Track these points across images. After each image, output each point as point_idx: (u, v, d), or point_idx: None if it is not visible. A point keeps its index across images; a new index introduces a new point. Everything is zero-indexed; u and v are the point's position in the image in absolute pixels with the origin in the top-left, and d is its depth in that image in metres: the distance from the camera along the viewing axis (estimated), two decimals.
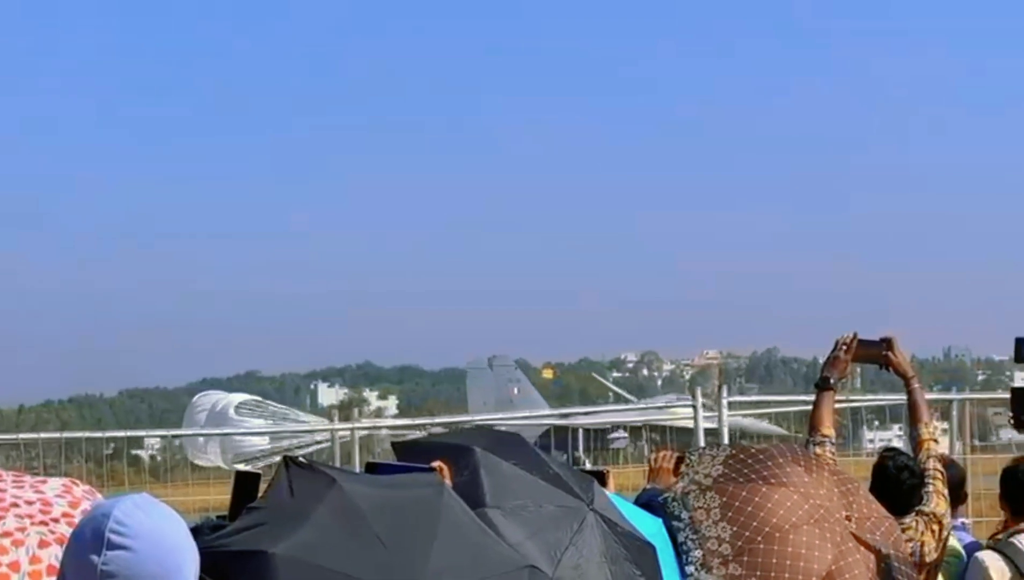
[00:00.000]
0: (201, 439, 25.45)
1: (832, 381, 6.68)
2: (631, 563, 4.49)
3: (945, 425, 13.96)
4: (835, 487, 5.19)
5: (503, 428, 12.52)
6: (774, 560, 4.89)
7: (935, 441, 6.51)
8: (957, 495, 7.86)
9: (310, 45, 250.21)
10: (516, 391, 62.51)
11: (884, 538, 5.15)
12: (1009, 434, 22.70)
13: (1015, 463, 7.21)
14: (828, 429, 6.50)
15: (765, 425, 28.03)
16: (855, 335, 6.74)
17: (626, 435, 35.71)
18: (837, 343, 6.75)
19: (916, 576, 5.28)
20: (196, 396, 44.99)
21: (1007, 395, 8.01)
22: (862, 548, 5.01)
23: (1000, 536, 7.06)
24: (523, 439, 4.95)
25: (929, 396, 11.85)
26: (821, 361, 6.90)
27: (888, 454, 6.88)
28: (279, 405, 48.06)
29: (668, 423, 22.35)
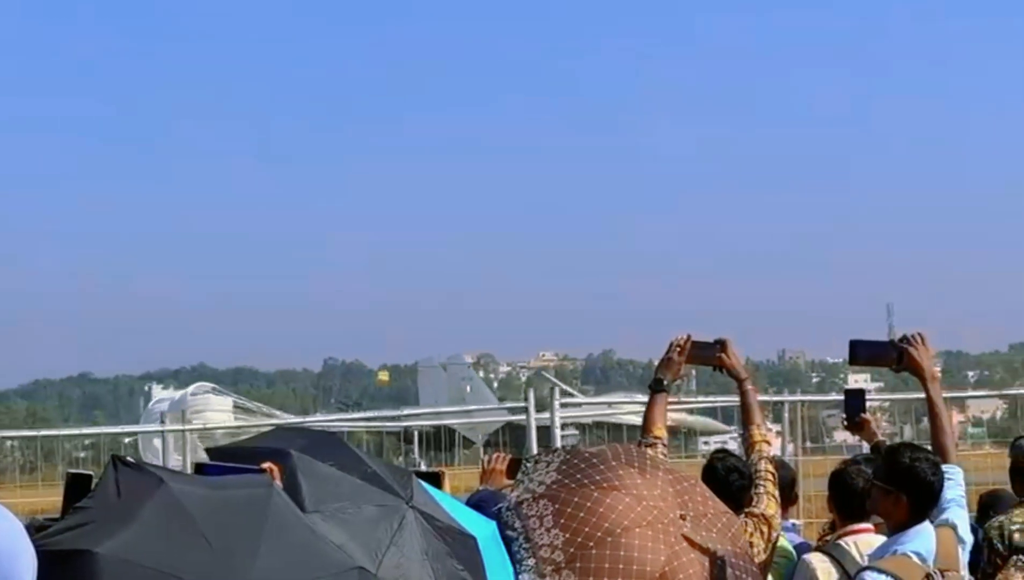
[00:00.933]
0: (157, 441, 25.37)
1: (665, 383, 6.69)
2: (453, 558, 4.47)
3: (778, 427, 14.13)
4: (670, 487, 5.19)
5: (456, 425, 12.58)
6: (606, 564, 4.88)
7: (767, 443, 6.55)
8: (787, 496, 7.94)
9: None
10: (469, 389, 63.40)
11: (721, 534, 5.16)
12: (842, 436, 23.04)
13: (843, 466, 7.30)
14: (660, 430, 6.52)
15: (711, 422, 28.24)
16: (689, 337, 6.76)
17: (577, 433, 36.10)
18: (671, 345, 6.77)
19: (755, 569, 5.30)
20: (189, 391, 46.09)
21: (840, 397, 8.10)
22: (697, 546, 5.02)
23: (828, 538, 7.14)
24: (339, 439, 4.91)
25: (762, 398, 12.03)
26: (656, 363, 6.93)
27: (718, 456, 6.92)
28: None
29: (615, 421, 22.47)
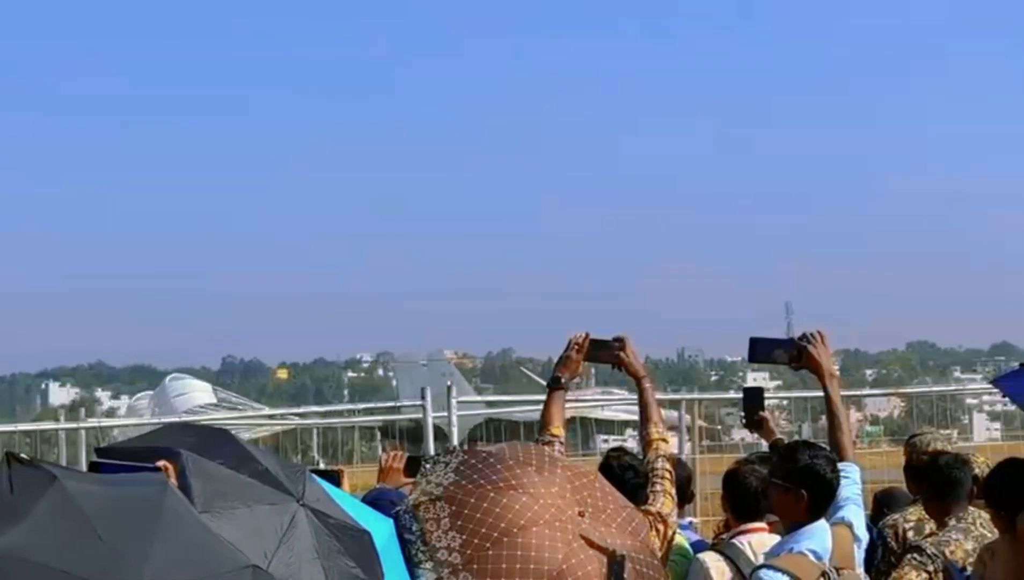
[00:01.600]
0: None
1: (563, 381, 6.68)
2: (345, 555, 4.44)
3: (682, 423, 14.20)
4: (568, 483, 5.16)
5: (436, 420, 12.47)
6: (503, 565, 4.86)
7: (664, 441, 6.55)
8: (684, 494, 7.97)
9: None
10: (450, 384, 63.39)
11: (621, 529, 5.14)
12: (741, 434, 23.22)
13: (737, 466, 7.34)
14: (557, 428, 6.51)
15: (674, 414, 28.42)
16: (587, 335, 6.76)
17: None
18: (570, 343, 6.77)
19: (657, 563, 5.28)
20: (168, 378, 46.10)
21: (739, 395, 8.13)
22: (595, 543, 5.00)
23: (723, 537, 7.18)
24: (231, 435, 4.86)
25: (661, 396, 12.04)
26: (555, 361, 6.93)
27: (614, 454, 6.93)
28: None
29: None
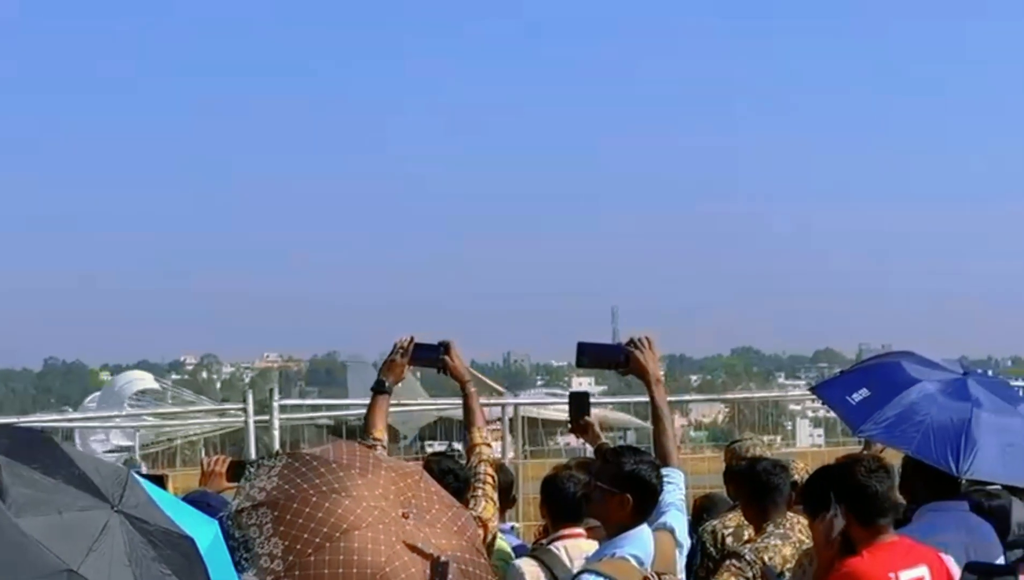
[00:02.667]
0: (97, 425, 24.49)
1: (387, 385, 6.68)
2: (160, 562, 4.36)
3: (506, 427, 14.22)
4: (392, 485, 5.13)
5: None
6: (325, 571, 4.81)
7: (487, 445, 6.57)
8: (506, 499, 7.99)
9: None
10: (400, 386, 63.18)
11: (446, 528, 5.12)
12: (566, 439, 23.36)
13: (555, 471, 7.36)
14: (380, 432, 6.50)
15: (625, 416, 28.36)
16: (412, 339, 6.75)
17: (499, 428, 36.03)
18: (395, 347, 6.76)
19: (484, 561, 5.28)
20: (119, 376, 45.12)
21: (565, 400, 8.16)
22: (419, 544, 4.98)
23: (543, 542, 7.20)
24: (48, 437, 4.76)
25: (486, 401, 12.04)
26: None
27: (435, 458, 6.92)
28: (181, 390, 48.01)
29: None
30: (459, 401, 6.89)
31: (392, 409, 11.91)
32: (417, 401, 20.16)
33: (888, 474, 6.20)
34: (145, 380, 47.50)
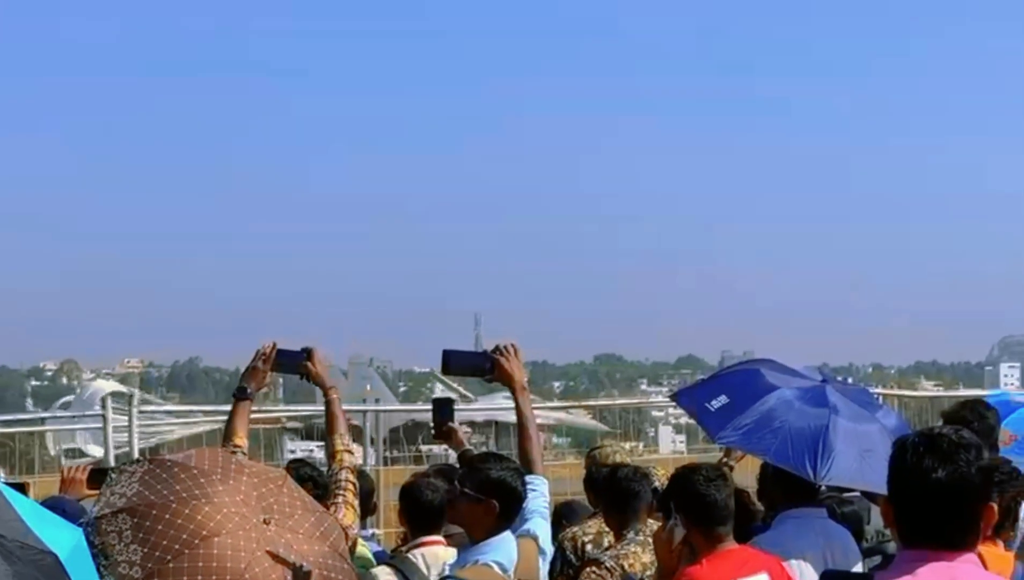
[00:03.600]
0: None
1: (249, 391, 6.63)
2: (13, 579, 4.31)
3: (367, 434, 14.19)
4: (253, 490, 5.09)
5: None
6: (184, 578, 4.78)
7: (349, 452, 6.54)
8: (367, 506, 7.97)
9: None
10: (369, 388, 63.37)
11: (308, 535, 5.10)
12: (428, 446, 23.37)
13: (413, 478, 7.36)
14: (241, 439, 6.45)
15: (590, 421, 28.29)
16: (274, 345, 6.72)
17: (469, 430, 35.93)
18: (257, 353, 6.72)
19: (347, 567, 5.26)
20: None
21: (427, 407, 8.15)
22: (280, 550, 4.96)
23: (401, 549, 7.19)
24: None
25: (348, 407, 11.95)
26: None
27: (294, 465, 6.89)
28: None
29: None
30: (425, 406, 6.85)
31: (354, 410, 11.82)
32: (384, 406, 20.04)
33: (726, 482, 6.26)
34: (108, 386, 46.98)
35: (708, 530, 6.16)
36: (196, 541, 4.82)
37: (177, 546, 4.79)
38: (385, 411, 16.00)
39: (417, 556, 6.84)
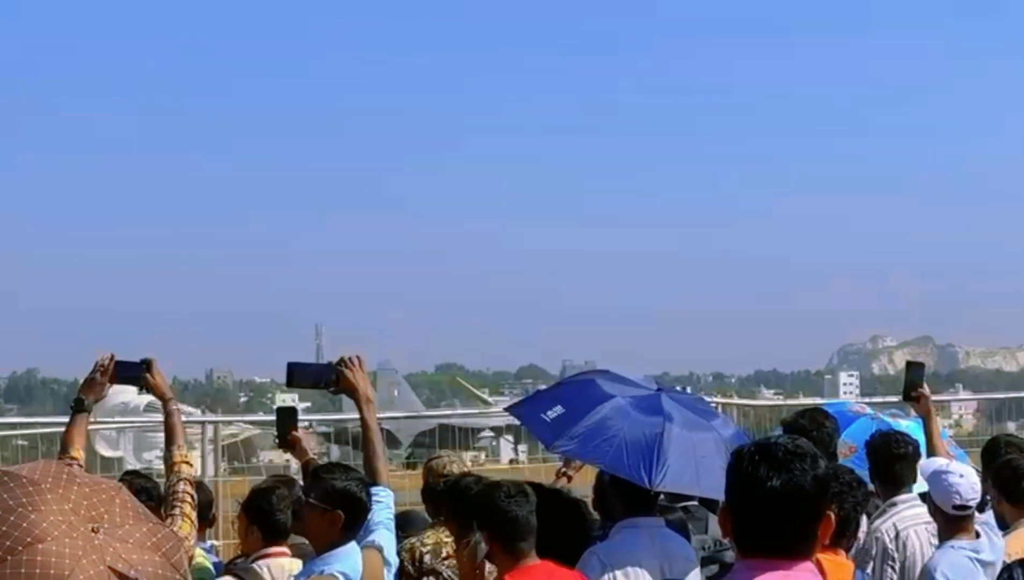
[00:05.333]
0: (115, 432, 23.17)
1: (86, 403, 6.55)
2: None
3: (208, 447, 14.05)
4: (84, 499, 5.00)
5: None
6: None
7: (188, 463, 6.47)
8: (205, 518, 7.89)
9: None
10: (396, 394, 63.42)
11: (139, 544, 5.03)
12: (268, 456, 23.21)
13: (259, 489, 7.31)
14: (77, 451, 6.36)
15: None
16: (112, 357, 6.64)
17: (493, 434, 36.71)
18: (96, 365, 6.64)
19: (180, 578, 5.20)
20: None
21: (268, 417, 8.10)
22: (107, 558, 4.90)
23: (242, 560, 7.13)
24: None
25: (188, 418, 11.82)
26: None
27: (128, 476, 6.81)
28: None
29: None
30: (456, 411, 6.78)
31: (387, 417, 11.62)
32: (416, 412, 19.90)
33: (528, 498, 6.32)
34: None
35: (510, 546, 6.21)
36: (20, 548, 4.74)
37: (0, 552, 4.72)
38: (225, 421, 15.78)
39: (262, 567, 6.79)
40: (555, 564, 6.32)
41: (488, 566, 6.56)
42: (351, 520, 6.14)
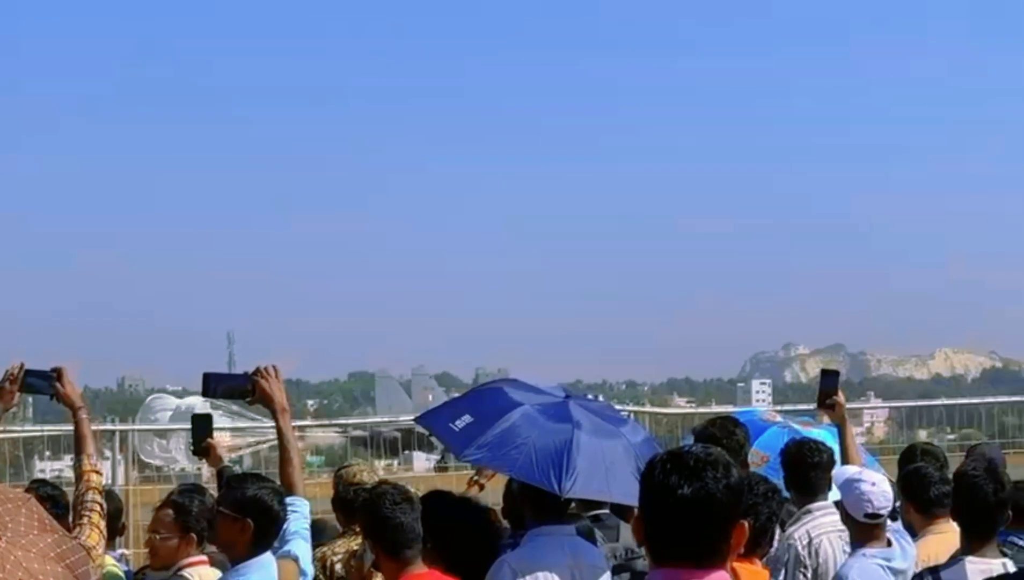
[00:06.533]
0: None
1: None
2: None
3: (119, 456, 13.96)
4: None
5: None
6: None
7: (97, 473, 6.43)
8: (115, 527, 7.83)
9: None
10: (431, 398, 65.18)
11: (42, 554, 4.99)
12: (179, 465, 23.06)
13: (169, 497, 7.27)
14: None
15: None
16: (22, 365, 6.59)
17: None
18: (5, 374, 6.58)
19: None
20: (151, 398, 41.88)
21: (183, 425, 8.06)
22: (7, 566, 4.87)
23: (147, 568, 7.09)
24: None
25: (99, 427, 11.74)
26: None
27: (34, 485, 6.75)
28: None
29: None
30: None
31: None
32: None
33: (413, 505, 6.33)
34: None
35: (394, 553, 6.22)
36: None
37: None
38: (135, 430, 15.67)
39: (192, 575, 6.77)
40: (442, 573, 6.33)
41: (377, 575, 6.56)
42: (261, 529, 6.11)
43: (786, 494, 7.70)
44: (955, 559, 6.78)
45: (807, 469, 7.90)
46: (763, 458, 9.53)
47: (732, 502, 3.78)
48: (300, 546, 6.36)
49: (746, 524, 3.86)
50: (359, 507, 6.47)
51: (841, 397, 8.48)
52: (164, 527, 6.99)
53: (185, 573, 6.81)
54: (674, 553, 3.79)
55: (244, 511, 6.09)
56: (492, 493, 8.60)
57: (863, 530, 6.99)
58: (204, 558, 6.87)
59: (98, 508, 6.26)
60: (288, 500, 6.28)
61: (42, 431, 16.30)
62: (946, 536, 7.50)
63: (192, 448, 7.61)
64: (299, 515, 6.39)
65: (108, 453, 13.38)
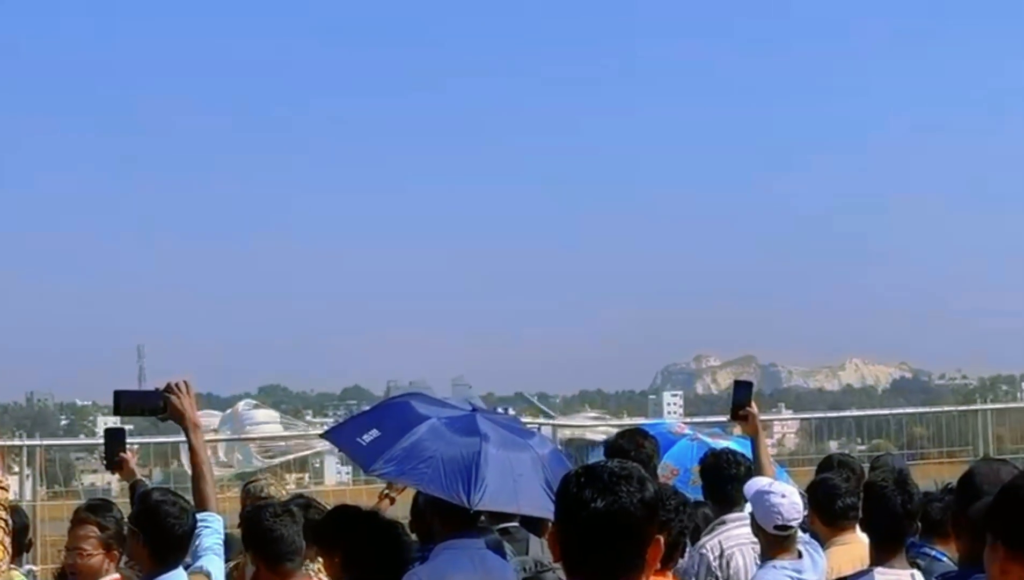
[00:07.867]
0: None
1: None
2: None
3: (27, 471, 13.84)
4: None
5: None
6: None
7: (4, 488, 6.37)
8: (21, 543, 7.75)
9: None
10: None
11: None
12: (90, 480, 22.91)
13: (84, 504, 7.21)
14: None
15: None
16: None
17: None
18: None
19: None
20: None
21: (92, 440, 8.00)
22: None
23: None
24: None
25: (7, 442, 11.63)
26: None
27: None
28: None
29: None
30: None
31: None
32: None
33: (294, 519, 6.32)
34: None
35: (274, 566, 6.22)
36: None
37: None
38: (45, 445, 15.53)
39: None
40: None
41: None
42: (161, 543, 6.07)
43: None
44: (864, 571, 6.82)
45: (724, 481, 7.95)
46: (673, 471, 9.57)
47: (646, 516, 3.76)
48: (213, 562, 6.32)
49: (662, 539, 3.85)
50: (241, 520, 6.44)
51: (754, 408, 8.51)
52: (89, 544, 6.92)
53: None
54: (589, 568, 3.78)
55: (142, 525, 6.06)
56: (403, 507, 8.58)
57: (773, 541, 7.02)
58: (118, 576, 6.81)
59: (3, 524, 6.20)
60: (201, 516, 6.24)
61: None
62: (851, 547, 7.54)
63: (105, 463, 7.54)
64: (212, 531, 6.35)
65: (16, 468, 13.26)
